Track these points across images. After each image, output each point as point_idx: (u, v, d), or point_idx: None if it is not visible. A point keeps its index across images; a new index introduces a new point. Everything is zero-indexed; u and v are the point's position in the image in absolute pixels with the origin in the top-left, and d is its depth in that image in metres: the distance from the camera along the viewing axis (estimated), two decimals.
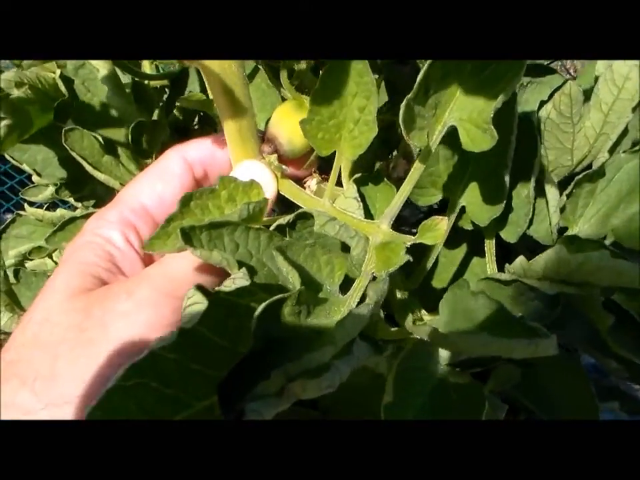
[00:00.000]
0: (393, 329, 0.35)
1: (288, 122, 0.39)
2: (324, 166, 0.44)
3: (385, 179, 0.39)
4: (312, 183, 0.43)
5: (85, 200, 0.67)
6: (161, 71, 0.72)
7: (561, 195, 0.43)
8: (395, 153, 0.51)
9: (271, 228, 0.34)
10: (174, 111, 0.68)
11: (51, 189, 0.65)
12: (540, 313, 0.42)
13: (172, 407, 0.23)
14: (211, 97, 0.54)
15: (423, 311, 0.42)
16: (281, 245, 0.28)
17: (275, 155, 0.39)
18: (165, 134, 0.53)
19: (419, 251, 0.47)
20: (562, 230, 0.45)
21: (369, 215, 0.39)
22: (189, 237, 0.28)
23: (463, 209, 0.44)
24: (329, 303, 0.28)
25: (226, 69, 0.33)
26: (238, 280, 0.26)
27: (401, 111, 0.28)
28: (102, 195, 0.64)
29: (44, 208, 0.71)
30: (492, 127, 0.30)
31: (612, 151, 0.42)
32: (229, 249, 0.30)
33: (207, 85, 0.37)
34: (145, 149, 0.50)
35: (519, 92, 0.56)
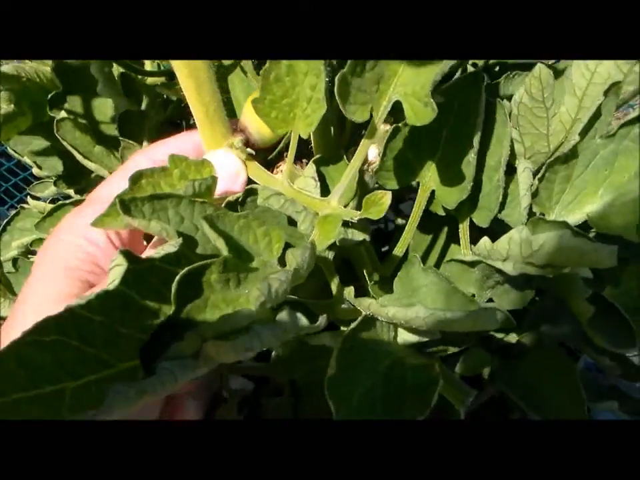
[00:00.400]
0: (346, 308, 0.35)
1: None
2: (305, 151, 0.44)
3: (345, 159, 0.39)
4: (284, 167, 0.43)
5: (85, 192, 0.69)
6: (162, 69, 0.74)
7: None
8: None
9: (222, 205, 0.34)
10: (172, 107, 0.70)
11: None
12: (510, 298, 0.42)
13: (92, 366, 0.24)
14: None
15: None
16: (210, 215, 0.29)
17: (241, 141, 0.39)
18: (150, 124, 0.54)
19: (394, 237, 0.47)
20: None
21: (328, 193, 0.39)
22: (127, 208, 0.29)
23: (434, 194, 0.44)
24: (261, 273, 0.28)
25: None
26: (167, 246, 0.27)
27: (336, 85, 0.29)
28: None
29: (47, 202, 0.73)
30: (432, 100, 0.30)
31: (583, 133, 0.41)
32: (174, 222, 0.30)
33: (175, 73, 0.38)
34: (130, 139, 0.52)
35: (504, 83, 0.55)
